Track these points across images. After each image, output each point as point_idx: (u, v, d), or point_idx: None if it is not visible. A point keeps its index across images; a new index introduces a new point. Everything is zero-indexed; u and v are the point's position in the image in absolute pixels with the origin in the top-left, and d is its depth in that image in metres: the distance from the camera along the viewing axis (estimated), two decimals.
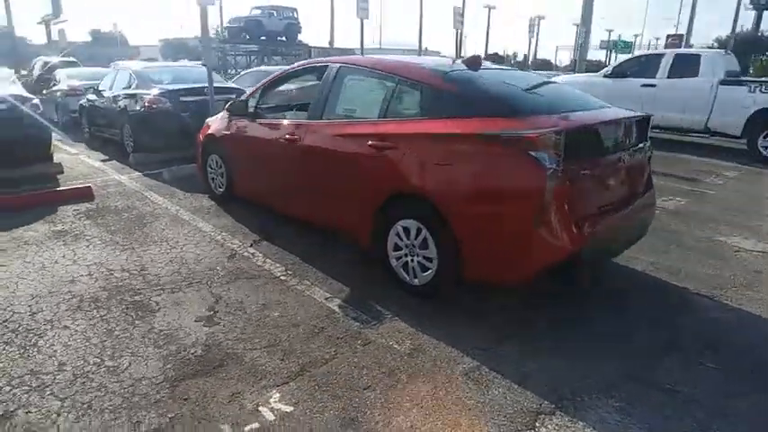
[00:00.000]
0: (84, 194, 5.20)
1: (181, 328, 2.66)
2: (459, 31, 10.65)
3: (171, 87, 7.05)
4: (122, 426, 1.93)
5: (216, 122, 4.98)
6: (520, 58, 54.76)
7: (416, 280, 3.03)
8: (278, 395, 2.15)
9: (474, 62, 3.40)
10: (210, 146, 5.04)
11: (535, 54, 52.34)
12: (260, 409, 2.06)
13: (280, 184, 4.15)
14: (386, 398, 2.14)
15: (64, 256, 3.59)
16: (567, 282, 3.08)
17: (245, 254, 3.74)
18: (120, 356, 2.39)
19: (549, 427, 2.00)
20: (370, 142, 3.15)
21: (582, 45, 15.10)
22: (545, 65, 44.12)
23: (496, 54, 42.43)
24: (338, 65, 3.65)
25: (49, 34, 30.21)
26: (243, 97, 4.65)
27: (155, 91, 6.93)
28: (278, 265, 3.55)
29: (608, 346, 2.59)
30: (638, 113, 3.13)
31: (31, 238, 3.93)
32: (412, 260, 3.03)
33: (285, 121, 4.03)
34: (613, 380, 2.29)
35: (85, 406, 2.04)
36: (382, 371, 2.34)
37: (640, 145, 3.18)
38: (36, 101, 5.93)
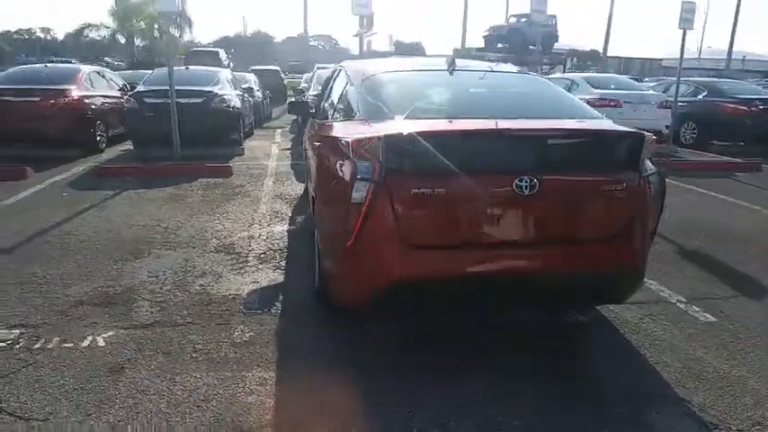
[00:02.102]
0: (224, 172, 6.91)
1: (133, 273, 3.56)
2: (685, 31, 8.57)
3: None
4: (15, 317, 2.92)
5: None
6: None
7: (316, 284, 3.15)
8: (112, 333, 2.77)
9: (450, 63, 3.22)
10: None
11: None
12: (89, 337, 2.73)
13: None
14: (166, 368, 2.47)
15: (150, 211, 5.07)
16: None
17: (255, 234, 4.47)
18: (78, 277, 3.45)
19: None
20: (315, 143, 3.40)
21: None
22: None
23: None
24: (339, 68, 3.96)
25: (360, 46, 38.26)
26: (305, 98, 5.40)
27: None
28: (265, 248, 4.13)
29: None
30: (603, 127, 2.38)
31: (152, 196, 5.65)
32: (317, 263, 3.16)
33: (315, 121, 4.56)
34: None
35: (25, 297, 3.13)
36: (195, 347, 2.66)
37: (615, 174, 2.41)
38: (227, 96, 8.12)
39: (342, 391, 2.33)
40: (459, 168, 2.25)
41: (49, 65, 9.40)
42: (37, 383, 2.33)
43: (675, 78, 11.49)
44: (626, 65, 36.13)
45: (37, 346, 2.63)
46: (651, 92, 10.68)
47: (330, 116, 3.45)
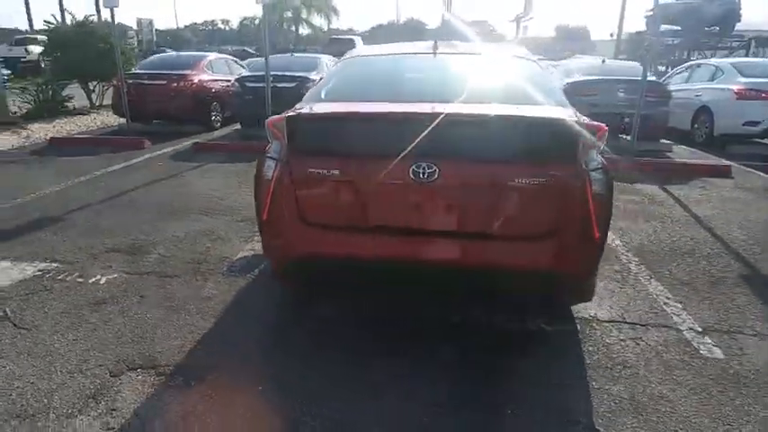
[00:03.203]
0: None
1: (163, 231, 4.30)
2: None
3: None
4: (61, 255, 3.80)
5: None
6: None
7: None
8: (115, 276, 3.48)
9: (434, 47, 3.28)
10: None
11: None
12: (97, 276, 3.47)
13: None
14: (134, 307, 3.07)
15: (213, 182, 5.92)
16: None
17: None
18: (122, 229, 4.29)
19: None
20: None
21: None
22: None
23: None
24: None
25: (517, 30, 37.44)
26: None
27: None
28: None
29: None
30: (529, 114, 2.29)
31: (225, 170, 6.54)
32: None
33: None
34: None
35: (77, 241, 4.04)
36: (166, 295, 3.22)
37: (538, 166, 2.30)
38: (316, 80, 8.82)
39: (251, 351, 2.67)
40: (357, 151, 2.38)
41: (181, 53, 11.21)
42: (41, 303, 3.10)
43: None
44: None
45: (60, 277, 3.45)
46: None
47: None
